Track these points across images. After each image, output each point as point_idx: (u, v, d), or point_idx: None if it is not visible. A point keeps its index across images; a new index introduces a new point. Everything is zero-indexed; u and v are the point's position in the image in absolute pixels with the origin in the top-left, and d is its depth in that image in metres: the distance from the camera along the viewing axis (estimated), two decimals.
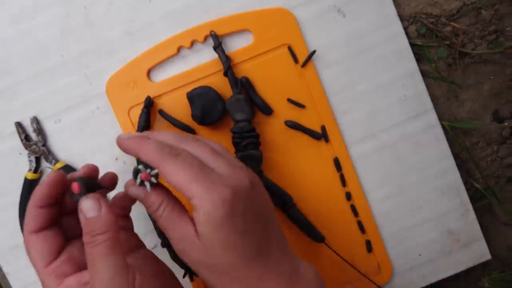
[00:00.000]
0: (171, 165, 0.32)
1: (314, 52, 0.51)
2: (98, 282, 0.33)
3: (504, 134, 0.52)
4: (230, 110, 0.50)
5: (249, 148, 0.50)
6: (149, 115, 0.51)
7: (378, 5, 0.51)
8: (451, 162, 0.52)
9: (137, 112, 0.51)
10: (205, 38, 0.51)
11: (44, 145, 0.51)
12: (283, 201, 0.51)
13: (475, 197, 0.53)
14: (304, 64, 0.51)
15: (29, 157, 0.50)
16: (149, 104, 0.50)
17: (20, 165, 0.51)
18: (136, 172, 0.34)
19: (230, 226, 0.32)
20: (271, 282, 0.34)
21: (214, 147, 0.37)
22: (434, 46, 0.51)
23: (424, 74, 0.51)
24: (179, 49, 0.51)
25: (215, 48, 0.50)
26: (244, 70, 0.51)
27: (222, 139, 0.51)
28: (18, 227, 0.51)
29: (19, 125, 0.50)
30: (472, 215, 0.52)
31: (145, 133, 0.37)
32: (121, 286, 0.33)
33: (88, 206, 0.33)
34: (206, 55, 0.51)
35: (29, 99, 0.51)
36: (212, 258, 0.32)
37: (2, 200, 0.52)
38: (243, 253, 0.33)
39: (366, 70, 0.51)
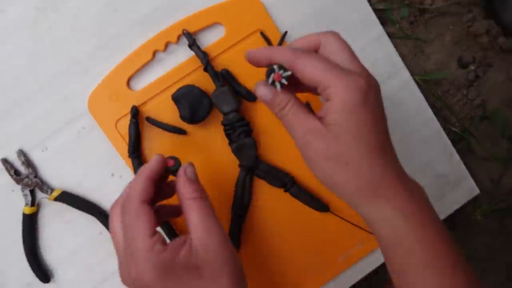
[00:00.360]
0: (307, 59, 0.34)
1: (286, 33, 0.52)
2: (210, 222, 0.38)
3: (470, 78, 0.56)
4: (217, 103, 0.50)
5: (242, 137, 0.51)
6: (138, 124, 0.50)
7: None
8: (429, 113, 0.55)
9: (123, 124, 0.50)
10: (178, 38, 0.51)
11: (36, 176, 0.49)
12: (283, 182, 0.53)
13: (454, 140, 0.57)
14: None
15: (23, 191, 0.49)
16: (136, 113, 0.50)
17: (14, 201, 0.50)
18: (269, 72, 0.36)
19: (363, 113, 0.33)
20: (391, 182, 0.34)
21: None
22: (395, 8, 0.54)
23: (390, 35, 0.54)
24: (154, 54, 0.51)
25: (190, 46, 0.50)
26: (223, 62, 0.51)
27: (215, 133, 0.52)
28: (27, 264, 0.50)
29: (5, 162, 0.48)
30: (456, 157, 0.56)
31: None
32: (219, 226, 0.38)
33: (191, 171, 0.41)
34: (182, 55, 0.51)
35: (11, 132, 0.49)
36: (340, 146, 0.34)
37: (4, 241, 0.50)
38: (370, 143, 0.34)
39: None
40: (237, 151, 0.52)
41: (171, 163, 0.41)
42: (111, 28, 0.50)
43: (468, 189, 0.57)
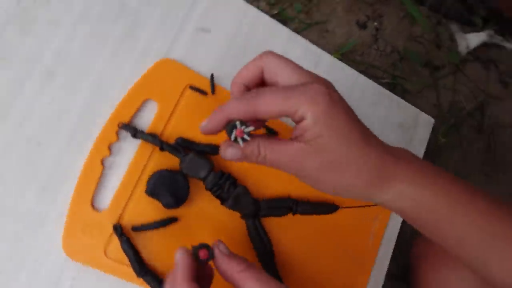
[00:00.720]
0: (261, 100, 0.33)
1: (212, 76, 0.50)
2: None
3: (373, 33, 0.61)
4: (191, 173, 0.47)
5: (231, 190, 0.48)
6: (129, 240, 0.45)
7: (225, 5, 0.53)
8: (362, 78, 0.58)
9: (113, 249, 0.44)
10: (117, 134, 0.46)
11: None
12: (288, 207, 0.51)
13: (390, 90, 0.61)
14: (213, 91, 0.50)
15: None
16: (121, 230, 0.44)
17: None
18: (231, 128, 0.34)
19: (336, 114, 0.33)
20: (386, 162, 0.35)
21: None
22: (288, 6, 0.56)
23: (296, 31, 0.56)
24: (102, 162, 0.45)
25: (134, 136, 0.46)
26: (173, 132, 0.48)
27: (203, 202, 0.49)
28: None
29: None
30: (402, 102, 0.60)
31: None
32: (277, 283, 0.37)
33: (224, 247, 0.39)
34: (131, 147, 0.47)
35: None
36: (331, 155, 0.33)
37: None
38: (355, 137, 0.34)
39: None
40: (234, 205, 0.49)
41: (204, 253, 0.38)
42: (41, 164, 0.43)
43: (425, 123, 0.61)
